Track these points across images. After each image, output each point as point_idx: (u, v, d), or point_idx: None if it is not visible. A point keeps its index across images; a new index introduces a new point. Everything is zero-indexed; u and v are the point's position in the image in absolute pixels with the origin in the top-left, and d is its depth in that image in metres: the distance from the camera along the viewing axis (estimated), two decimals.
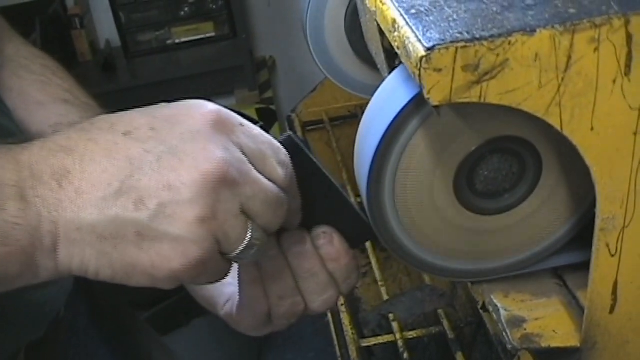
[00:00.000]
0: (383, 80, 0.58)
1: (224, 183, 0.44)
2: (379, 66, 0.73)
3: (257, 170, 0.46)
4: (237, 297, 0.58)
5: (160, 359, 0.91)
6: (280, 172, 0.48)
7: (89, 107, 0.76)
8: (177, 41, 2.33)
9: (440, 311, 0.96)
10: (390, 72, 0.59)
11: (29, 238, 0.43)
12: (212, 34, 2.33)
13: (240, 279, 0.56)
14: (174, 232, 0.43)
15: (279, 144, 0.49)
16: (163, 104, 0.47)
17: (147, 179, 0.43)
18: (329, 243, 0.54)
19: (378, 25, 0.64)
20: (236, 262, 0.48)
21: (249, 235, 0.46)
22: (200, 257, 0.44)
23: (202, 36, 2.33)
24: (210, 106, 0.46)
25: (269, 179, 0.47)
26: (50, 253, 0.44)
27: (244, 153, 0.46)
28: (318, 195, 0.53)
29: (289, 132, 0.51)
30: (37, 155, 0.44)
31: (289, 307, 0.55)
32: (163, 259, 0.44)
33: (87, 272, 0.45)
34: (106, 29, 2.39)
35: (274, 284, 0.54)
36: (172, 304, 1.74)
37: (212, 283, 0.49)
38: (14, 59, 0.77)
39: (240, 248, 0.46)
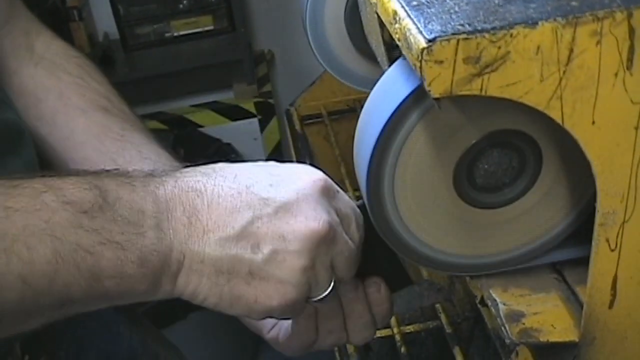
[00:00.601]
0: (383, 73, 0.58)
1: (324, 240, 0.52)
2: (378, 59, 0.73)
3: (345, 231, 0.55)
4: (284, 325, 0.66)
5: (156, 349, 0.91)
6: (358, 235, 0.57)
7: (125, 115, 0.80)
8: (175, 34, 2.32)
9: (437, 306, 0.96)
10: (390, 65, 0.59)
11: (161, 263, 0.50)
12: (211, 28, 2.33)
13: None
14: (280, 275, 0.51)
15: (359, 211, 0.58)
16: (275, 163, 0.56)
17: (265, 228, 0.51)
18: (377, 291, 0.62)
19: (378, 17, 0.64)
20: (315, 304, 0.56)
21: (331, 284, 0.55)
22: (295, 299, 0.52)
23: (200, 29, 2.32)
24: (319, 173, 0.55)
25: (351, 239, 0.56)
26: (172, 278, 0.51)
27: (338, 216, 0.55)
28: (370, 249, 0.60)
29: (362, 201, 0.59)
30: (171, 193, 0.51)
31: (334, 340, 0.64)
32: (266, 296, 0.52)
33: (196, 298, 0.52)
34: (104, 21, 2.38)
35: (327, 321, 0.63)
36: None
37: (287, 319, 0.60)
38: (46, 56, 0.78)
39: (323, 295, 0.55)
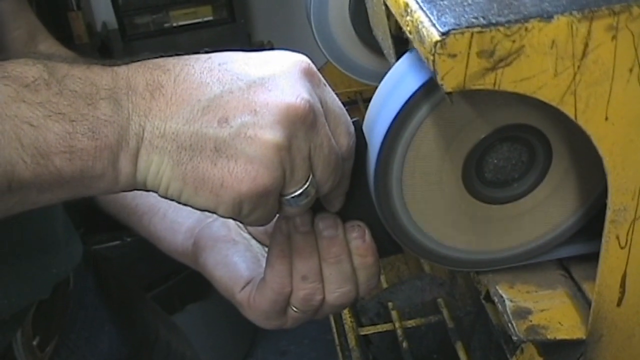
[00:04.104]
0: (390, 66, 0.57)
1: (303, 121, 0.47)
2: (384, 51, 0.72)
3: (330, 129, 0.49)
4: (256, 282, 0.60)
5: (167, 336, 0.91)
6: (346, 141, 0.51)
7: None
8: (174, 24, 2.31)
9: (439, 300, 0.96)
10: (397, 58, 0.58)
11: (116, 136, 0.45)
12: (210, 18, 2.31)
13: (269, 252, 0.58)
14: (250, 152, 0.46)
15: (350, 118, 0.52)
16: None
17: (235, 101, 0.46)
18: (360, 237, 0.57)
19: (386, 8, 0.63)
20: (285, 208, 0.51)
21: (308, 181, 0.49)
22: (267, 185, 0.47)
23: (200, 20, 2.31)
24: (303, 57, 0.50)
25: (335, 140, 0.50)
26: (132, 157, 0.46)
27: (322, 106, 0.49)
28: (359, 193, 0.55)
29: (357, 118, 0.54)
30: (134, 70, 0.47)
31: (309, 291, 0.57)
32: (234, 179, 0.46)
33: (160, 184, 0.47)
34: (103, 11, 2.36)
35: (301, 262, 0.56)
36: (167, 289, 1.74)
37: (255, 225, 0.51)
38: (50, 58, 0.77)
39: (297, 192, 0.49)
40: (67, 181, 0.45)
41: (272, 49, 2.50)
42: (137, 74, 0.47)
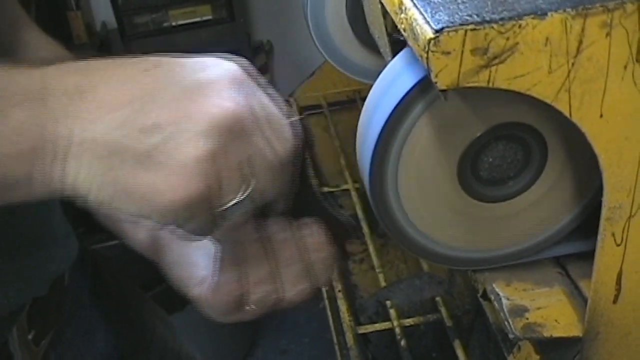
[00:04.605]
0: (386, 64, 0.57)
1: (233, 130, 0.45)
2: (381, 50, 0.72)
3: (266, 133, 0.48)
4: (210, 281, 0.59)
5: (164, 334, 0.91)
6: (286, 146, 0.49)
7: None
8: (174, 24, 2.30)
9: (438, 299, 0.96)
10: (393, 56, 0.58)
11: (40, 140, 0.43)
12: (210, 17, 2.31)
13: (221, 259, 0.57)
14: (176, 162, 0.44)
15: (289, 122, 0.50)
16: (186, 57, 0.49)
17: (163, 110, 0.45)
18: (312, 234, 0.55)
19: (382, 6, 0.63)
20: (222, 219, 0.49)
21: (243, 192, 0.47)
22: (194, 195, 0.45)
23: (199, 19, 2.30)
24: (234, 63, 0.48)
25: (274, 146, 0.48)
26: (61, 161, 0.44)
27: (257, 114, 0.47)
28: (304, 189, 0.54)
29: (300, 117, 0.52)
30: (64, 71, 0.45)
31: (263, 294, 0.56)
32: (160, 187, 0.45)
33: (89, 190, 0.45)
34: (102, 10, 2.36)
35: (253, 268, 0.55)
36: (166, 289, 1.74)
37: (196, 235, 0.49)
38: (30, 43, 0.77)
39: (232, 202, 0.47)
40: None
41: (271, 48, 2.50)
42: (66, 76, 0.45)
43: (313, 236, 0.56)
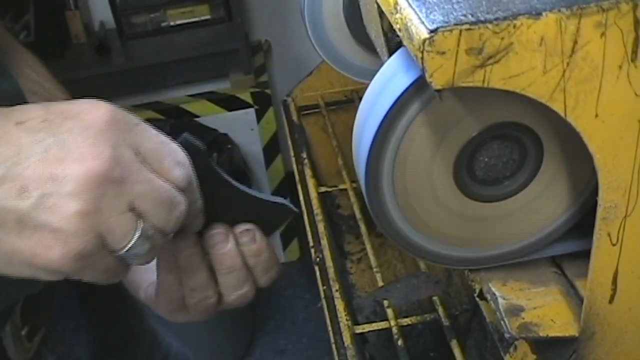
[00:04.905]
0: (382, 64, 0.57)
1: (108, 180, 0.45)
2: (378, 49, 0.72)
3: (153, 170, 0.47)
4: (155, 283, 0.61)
5: (154, 327, 0.91)
6: (176, 173, 0.49)
7: (56, 98, 0.75)
8: (172, 24, 2.30)
9: (435, 298, 0.95)
10: (389, 56, 0.58)
11: None
12: (208, 17, 2.31)
13: (157, 266, 0.58)
14: (53, 223, 0.44)
15: (176, 146, 0.50)
16: (62, 101, 0.48)
17: (33, 169, 0.44)
18: (251, 240, 0.56)
19: (378, 7, 0.63)
20: (129, 261, 0.49)
21: (137, 233, 0.47)
22: (81, 250, 0.45)
23: (197, 19, 2.30)
24: (106, 106, 0.47)
25: (166, 179, 0.48)
26: None
27: (138, 152, 0.47)
28: (223, 194, 0.55)
29: (185, 134, 0.52)
30: None
31: (200, 299, 0.57)
32: (43, 248, 0.44)
33: None
34: (100, 10, 2.36)
35: (188, 277, 0.56)
36: None
37: (106, 282, 0.50)
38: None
39: (128, 246, 0.47)
40: None
41: (269, 48, 2.50)
42: None
43: (252, 242, 0.56)
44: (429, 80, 0.44)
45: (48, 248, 0.44)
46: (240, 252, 0.56)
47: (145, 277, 0.63)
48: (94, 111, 0.46)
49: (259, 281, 0.58)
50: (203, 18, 2.31)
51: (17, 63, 0.77)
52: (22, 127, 0.45)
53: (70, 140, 0.45)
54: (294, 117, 1.27)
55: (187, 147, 0.51)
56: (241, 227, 0.56)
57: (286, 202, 0.58)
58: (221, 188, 0.55)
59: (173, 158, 0.49)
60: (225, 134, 2.25)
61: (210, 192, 0.53)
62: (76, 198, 0.44)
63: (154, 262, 0.60)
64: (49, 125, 0.45)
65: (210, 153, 0.54)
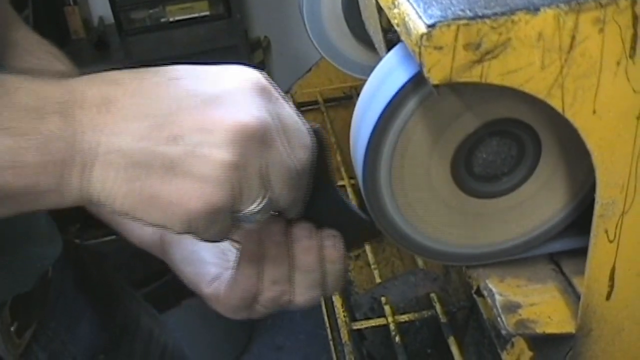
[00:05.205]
0: (380, 59, 0.57)
1: (256, 139, 0.46)
2: (376, 45, 0.72)
3: (285, 142, 0.49)
4: (224, 278, 0.61)
5: (149, 325, 0.91)
6: (300, 154, 0.50)
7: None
8: (171, 19, 2.31)
9: (432, 295, 0.96)
10: (387, 51, 0.58)
11: (66, 152, 0.44)
12: (207, 13, 2.31)
13: (240, 256, 0.58)
14: (200, 171, 0.45)
15: (306, 129, 0.51)
16: (207, 66, 0.50)
17: (187, 118, 0.46)
18: (334, 246, 0.57)
19: (376, 2, 0.63)
20: (242, 224, 0.50)
21: (265, 200, 0.48)
22: (217, 204, 0.46)
23: (196, 15, 2.31)
24: (257, 73, 0.50)
25: (292, 155, 0.49)
26: (87, 172, 0.45)
27: (280, 123, 0.48)
28: (323, 193, 0.55)
29: (318, 125, 0.53)
30: (89, 83, 0.46)
31: (277, 294, 0.58)
32: (184, 196, 0.45)
33: (115, 199, 0.46)
34: (99, 6, 2.36)
35: (271, 268, 0.57)
36: (163, 285, 1.74)
37: (211, 241, 0.50)
38: (20, 43, 0.77)
39: (251, 209, 0.48)
40: (11, 196, 0.45)
41: (268, 44, 2.49)
42: (93, 88, 0.46)
43: (333, 248, 0.57)
44: (426, 75, 0.44)
45: (188, 197, 0.46)
46: (320, 255, 0.57)
47: (210, 271, 0.63)
48: (247, 75, 0.49)
49: (328, 289, 0.59)
50: (202, 14, 2.31)
51: (44, 55, 0.78)
52: (177, 81, 0.47)
53: (224, 97, 0.47)
54: None
55: (314, 136, 0.52)
56: (327, 231, 0.57)
57: (374, 221, 0.58)
58: (323, 187, 0.55)
59: (302, 139, 0.51)
60: None
61: (313, 186, 0.54)
62: (226, 149, 0.45)
63: (219, 256, 0.62)
64: (203, 83, 0.47)
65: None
